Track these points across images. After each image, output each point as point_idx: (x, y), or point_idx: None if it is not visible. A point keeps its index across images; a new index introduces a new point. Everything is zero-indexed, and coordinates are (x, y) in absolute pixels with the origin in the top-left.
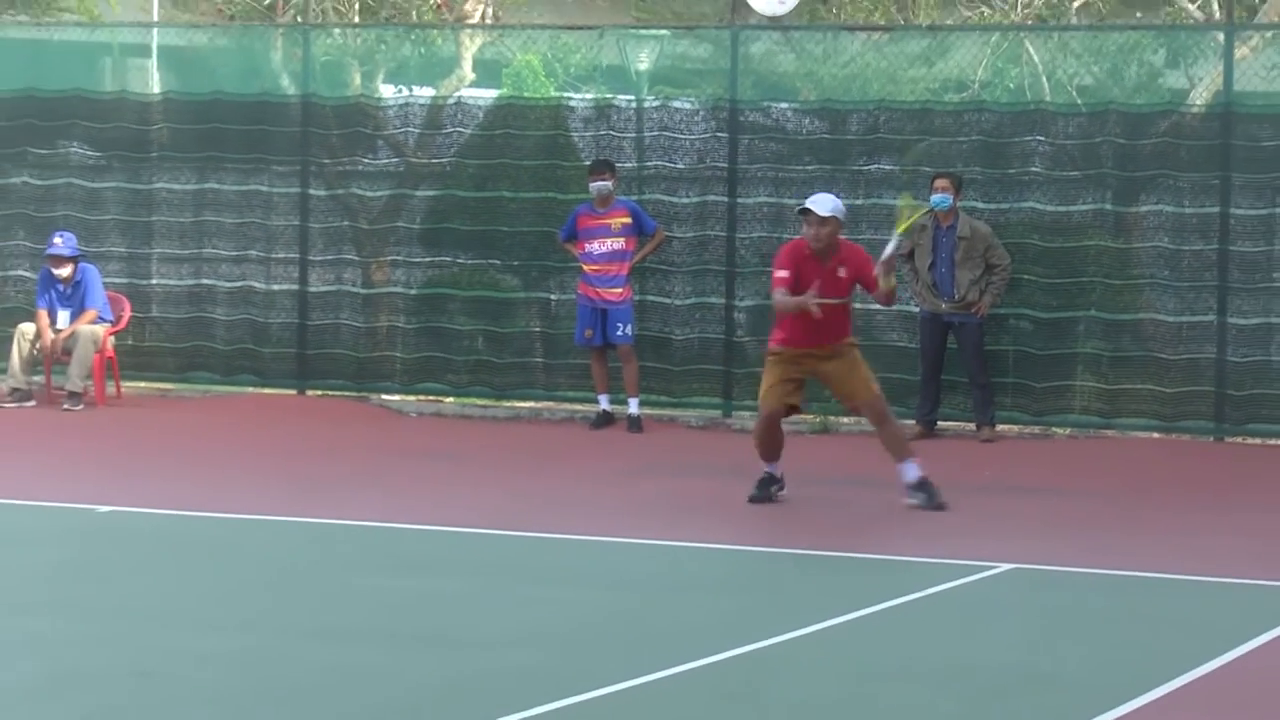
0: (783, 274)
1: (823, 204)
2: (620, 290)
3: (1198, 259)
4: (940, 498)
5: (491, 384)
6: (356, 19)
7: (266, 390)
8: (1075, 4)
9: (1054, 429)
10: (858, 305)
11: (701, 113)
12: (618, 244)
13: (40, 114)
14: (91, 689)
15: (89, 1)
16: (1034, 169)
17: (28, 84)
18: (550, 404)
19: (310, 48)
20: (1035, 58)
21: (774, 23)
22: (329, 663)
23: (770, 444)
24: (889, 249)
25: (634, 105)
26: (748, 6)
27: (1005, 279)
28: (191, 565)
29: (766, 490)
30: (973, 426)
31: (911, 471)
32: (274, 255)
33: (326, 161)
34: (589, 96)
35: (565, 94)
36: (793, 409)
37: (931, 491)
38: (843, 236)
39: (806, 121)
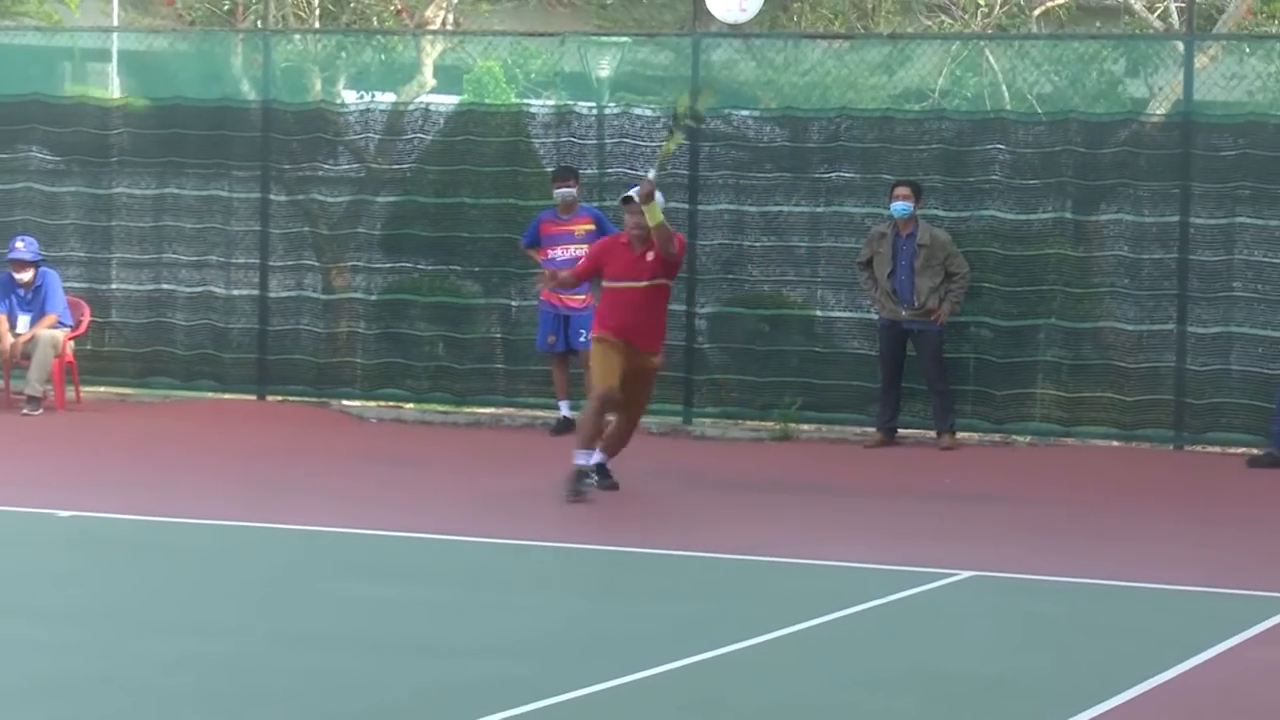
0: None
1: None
2: (583, 297)
3: (1158, 267)
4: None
5: (452, 390)
6: (317, 24)
7: (226, 395)
8: (1035, 13)
9: (1014, 437)
10: (818, 312)
11: (662, 119)
12: (581, 250)
13: None
14: (58, 696)
15: (49, 6)
16: (994, 177)
17: None
18: (511, 410)
19: (271, 53)
20: (995, 66)
21: (735, 30)
22: (297, 669)
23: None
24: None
25: (595, 112)
26: (709, 14)
27: (964, 286)
28: (155, 570)
29: (582, 484)
30: (933, 434)
31: (583, 459)
32: (234, 260)
33: (287, 167)
34: (550, 103)
35: (526, 100)
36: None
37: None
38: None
39: (767, 129)
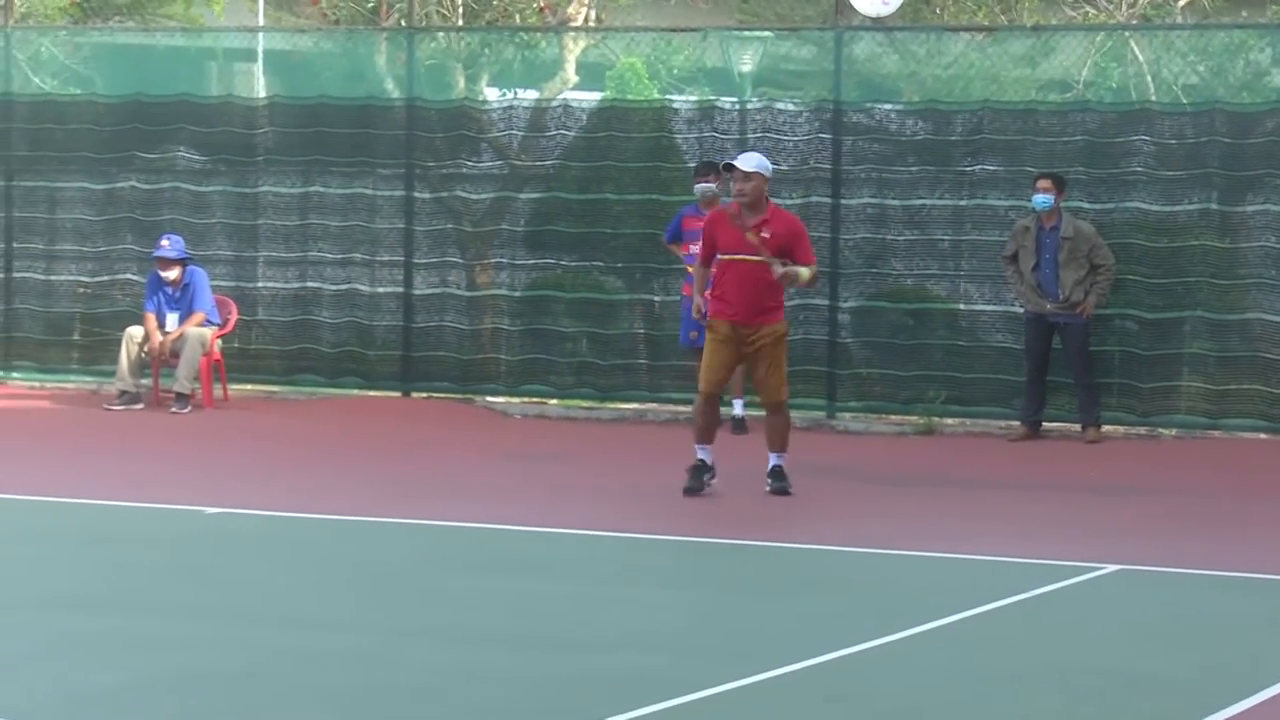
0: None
1: (747, 160)
2: None
3: None
4: (790, 486)
5: (596, 385)
6: (460, 22)
7: (371, 392)
8: (1180, 3)
9: (1160, 429)
10: (961, 306)
11: (805, 114)
12: None
13: (147, 119)
14: (202, 690)
15: (195, 9)
16: (1138, 168)
17: (135, 89)
18: (654, 405)
19: (414, 51)
20: (1140, 57)
21: (877, 24)
22: (435, 663)
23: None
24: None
25: (737, 107)
26: (851, 7)
27: (1109, 279)
28: (298, 566)
29: (700, 479)
30: (1078, 427)
31: (773, 459)
32: (379, 258)
33: (431, 164)
34: (692, 98)
35: (668, 96)
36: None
37: (787, 480)
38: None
39: (910, 122)
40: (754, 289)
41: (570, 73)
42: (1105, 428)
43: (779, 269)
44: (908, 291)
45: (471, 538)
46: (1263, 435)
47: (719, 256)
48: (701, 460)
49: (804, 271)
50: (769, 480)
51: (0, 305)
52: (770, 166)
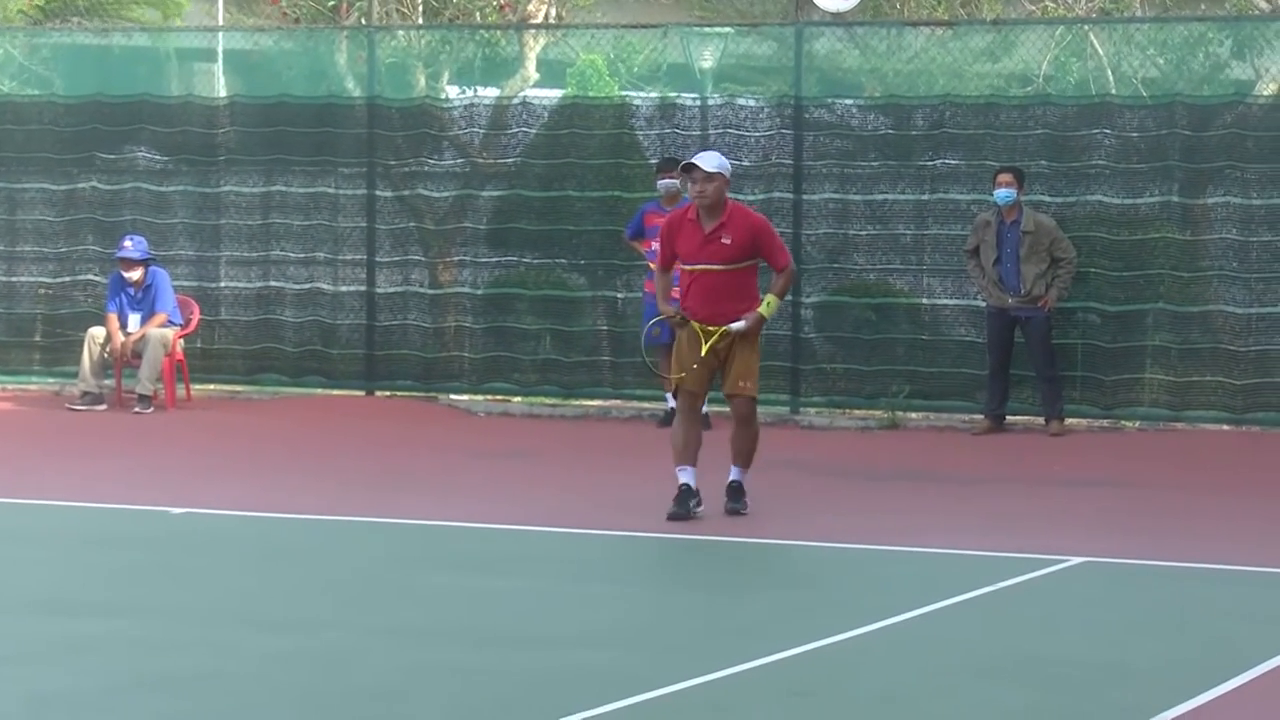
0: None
1: (708, 159)
2: None
3: (1266, 250)
4: (744, 508)
5: (559, 383)
6: (420, 20)
7: (335, 391)
8: None
9: (1123, 422)
10: (924, 300)
11: (766, 110)
12: None
13: (107, 119)
14: (170, 691)
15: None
16: (1100, 162)
17: (95, 90)
18: (618, 402)
19: (375, 50)
20: (1100, 50)
21: (837, 19)
22: (403, 662)
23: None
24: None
25: (698, 103)
26: (811, 4)
27: (1071, 272)
28: (266, 565)
29: (687, 505)
30: (1042, 420)
31: (734, 473)
32: (341, 257)
33: (392, 163)
34: (653, 95)
35: (629, 93)
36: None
37: (742, 501)
38: (733, 199)
39: (871, 117)
40: (723, 299)
41: (531, 70)
42: (1069, 420)
43: (741, 326)
44: (870, 286)
45: (435, 536)
46: (1225, 426)
47: (680, 266)
48: (686, 485)
49: (767, 309)
50: (725, 498)
51: None
52: (730, 166)
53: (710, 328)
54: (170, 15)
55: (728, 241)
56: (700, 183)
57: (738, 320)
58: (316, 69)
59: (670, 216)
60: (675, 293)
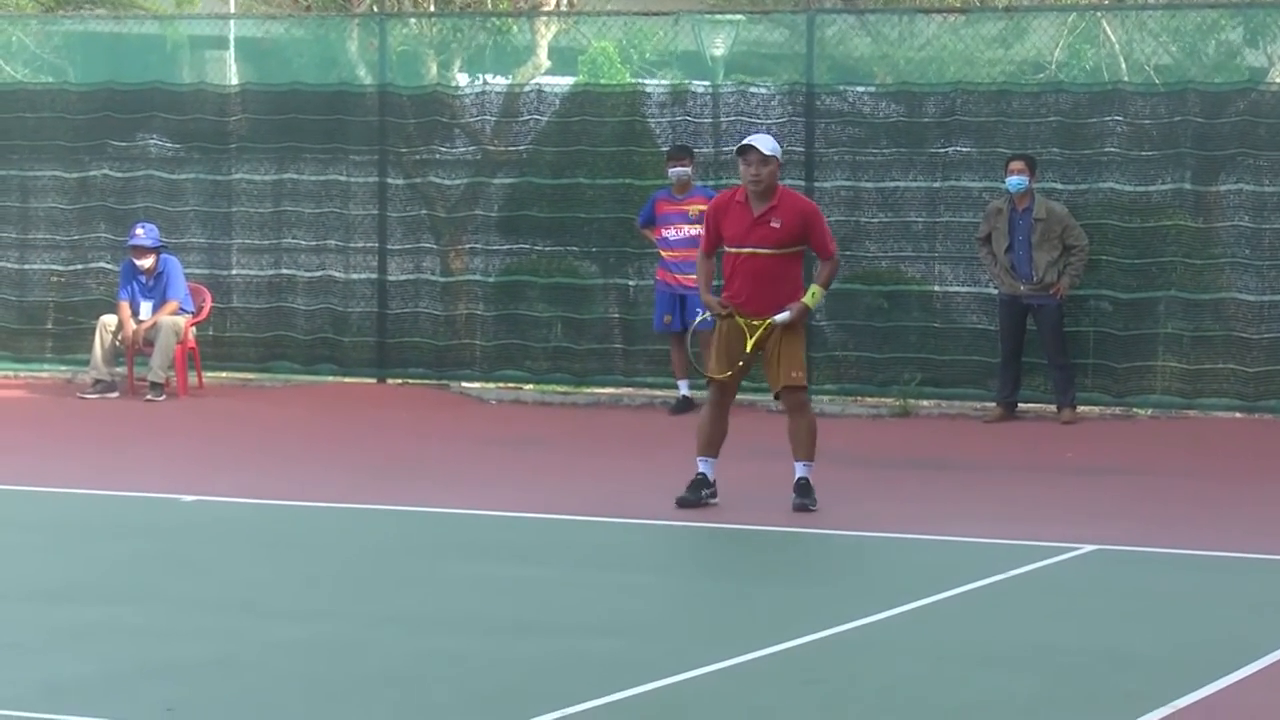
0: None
1: (765, 143)
2: None
3: (1279, 237)
4: (814, 504)
5: (571, 370)
6: (432, 8)
7: (347, 379)
8: None
9: (1135, 410)
10: (936, 288)
11: (778, 97)
12: (695, 230)
13: (119, 107)
14: (179, 679)
15: None
16: (1112, 149)
17: (107, 77)
18: (630, 390)
19: (386, 37)
20: (1112, 37)
21: (849, 6)
22: (414, 650)
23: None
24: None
25: (710, 91)
26: None
27: (1083, 260)
28: (277, 553)
29: (699, 493)
30: (1054, 408)
31: (799, 469)
32: (353, 245)
33: (404, 151)
34: (665, 82)
35: (641, 80)
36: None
37: (811, 496)
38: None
39: (883, 105)
40: (770, 285)
41: (542, 58)
42: (1081, 408)
43: (786, 317)
44: (882, 274)
45: (447, 523)
46: (1237, 414)
47: (726, 249)
48: (703, 474)
49: (812, 298)
50: (793, 495)
51: None
52: (781, 150)
53: (755, 321)
54: (182, 3)
55: (777, 225)
56: (756, 165)
57: (781, 311)
58: (328, 56)
59: (717, 200)
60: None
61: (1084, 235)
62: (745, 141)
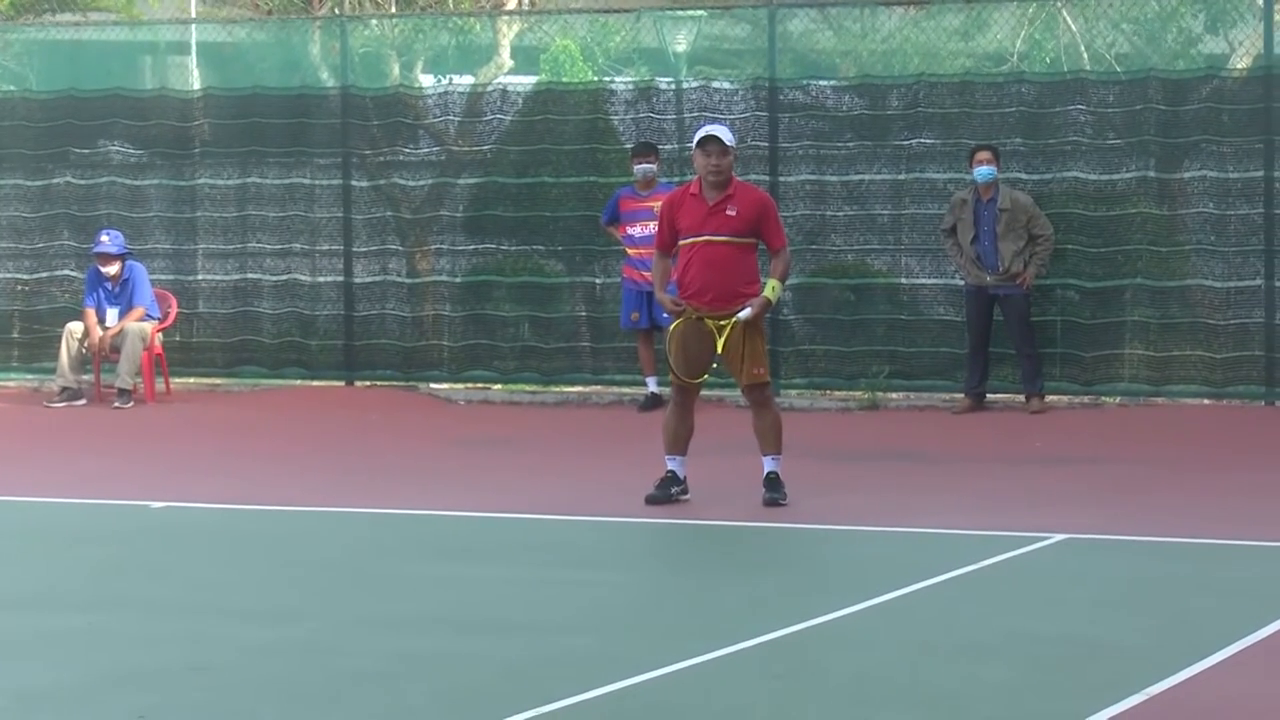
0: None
1: (727, 133)
2: None
3: (1244, 223)
4: (784, 498)
5: (539, 369)
6: (393, 9)
7: (315, 382)
8: None
9: (1104, 398)
10: (903, 280)
11: (741, 92)
12: None
13: (81, 113)
14: (151, 685)
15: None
16: (1075, 138)
17: (68, 84)
18: (598, 387)
19: (348, 39)
20: (1073, 27)
21: (811, 0)
22: (387, 650)
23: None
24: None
25: (674, 87)
26: None
27: (1049, 249)
28: (247, 558)
29: (668, 490)
30: (1022, 398)
31: (768, 463)
32: (318, 248)
33: (368, 152)
34: (629, 80)
35: (604, 78)
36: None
37: (781, 490)
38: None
39: (846, 98)
40: (725, 273)
41: (505, 57)
42: (1049, 397)
43: (748, 313)
44: (848, 267)
45: (418, 524)
46: (1205, 401)
47: (681, 241)
48: (672, 472)
49: (772, 292)
50: (764, 490)
51: None
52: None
53: (720, 321)
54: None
55: (733, 214)
56: (716, 156)
57: (743, 308)
58: (290, 60)
59: (670, 196)
60: (674, 274)
61: (1049, 224)
62: (707, 131)
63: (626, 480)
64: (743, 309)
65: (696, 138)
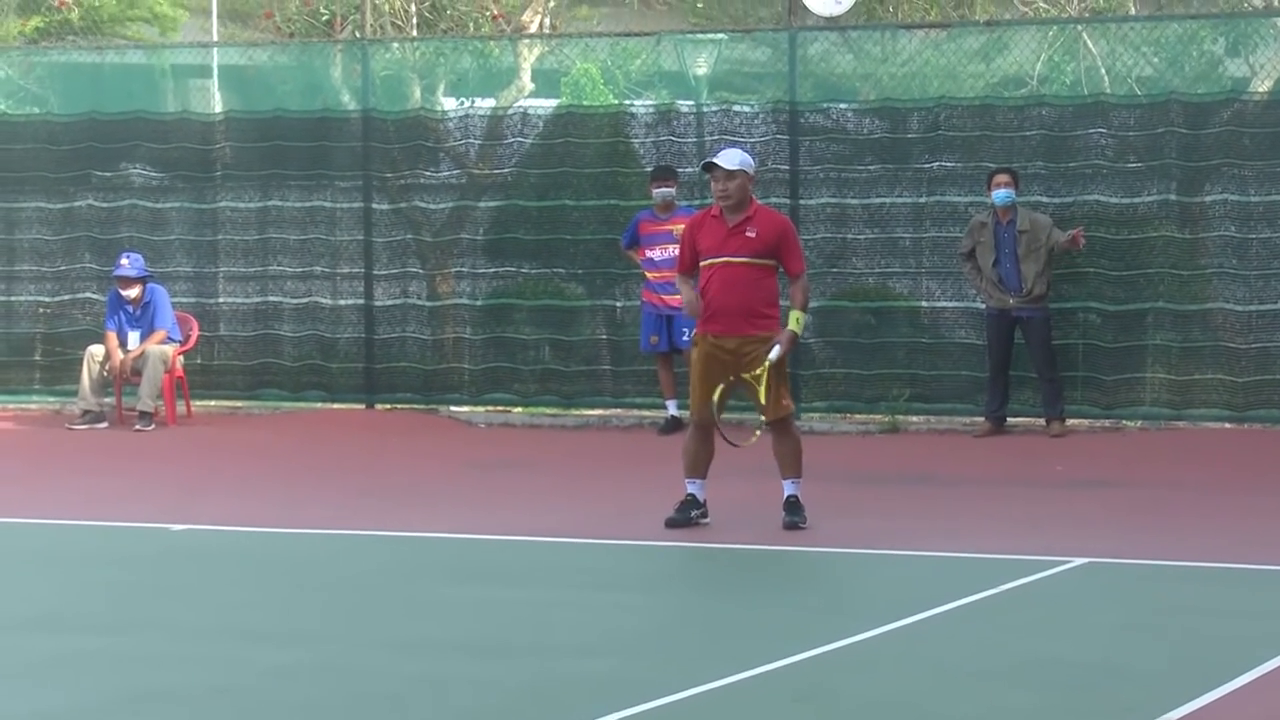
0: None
1: (730, 158)
2: None
3: (1265, 247)
4: (804, 521)
5: (559, 392)
6: (415, 32)
7: (335, 405)
8: None
9: (1124, 422)
10: (923, 303)
11: (761, 116)
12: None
13: (103, 137)
14: (171, 707)
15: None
16: (1096, 161)
17: (90, 107)
18: (618, 411)
19: (369, 63)
20: (1094, 50)
21: (831, 23)
22: (407, 673)
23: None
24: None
25: (694, 110)
26: (804, 8)
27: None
28: (267, 581)
29: (688, 514)
30: (1043, 421)
31: (788, 487)
32: (339, 270)
33: (389, 175)
34: (649, 103)
35: (625, 101)
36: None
37: (801, 514)
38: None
39: (867, 121)
40: (744, 293)
41: (526, 80)
42: (1070, 421)
43: (778, 353)
44: (869, 290)
45: (437, 547)
46: (1227, 425)
47: (701, 263)
48: (692, 495)
49: (796, 324)
50: (784, 513)
51: None
52: (753, 163)
53: (757, 371)
54: (165, 31)
55: (752, 235)
56: (721, 181)
57: (770, 347)
58: (311, 83)
59: (692, 218)
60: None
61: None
62: (708, 159)
63: (646, 503)
64: (771, 349)
65: (703, 164)
